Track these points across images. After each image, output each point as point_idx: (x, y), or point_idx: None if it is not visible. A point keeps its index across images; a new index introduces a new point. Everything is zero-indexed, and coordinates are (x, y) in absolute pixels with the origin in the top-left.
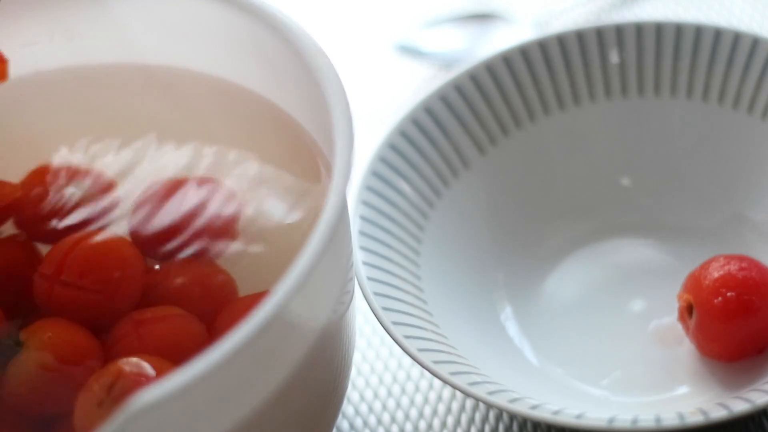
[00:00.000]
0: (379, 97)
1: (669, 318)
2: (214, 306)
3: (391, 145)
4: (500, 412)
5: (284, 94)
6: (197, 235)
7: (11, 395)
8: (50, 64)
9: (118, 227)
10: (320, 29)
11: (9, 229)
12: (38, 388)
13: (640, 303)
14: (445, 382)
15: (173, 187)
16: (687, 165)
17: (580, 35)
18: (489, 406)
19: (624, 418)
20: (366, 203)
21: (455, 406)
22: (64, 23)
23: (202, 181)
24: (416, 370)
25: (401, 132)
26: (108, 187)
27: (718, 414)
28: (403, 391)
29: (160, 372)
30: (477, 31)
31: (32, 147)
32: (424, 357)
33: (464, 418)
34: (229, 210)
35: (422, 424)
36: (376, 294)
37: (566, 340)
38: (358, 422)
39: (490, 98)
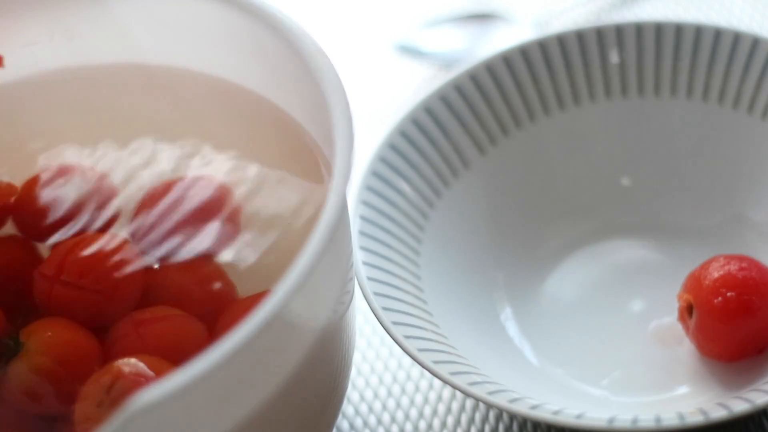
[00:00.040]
0: (379, 97)
1: (669, 318)
2: (214, 306)
3: (391, 145)
4: (500, 412)
5: (284, 94)
6: (197, 235)
7: (11, 395)
8: (50, 64)
9: (118, 227)
10: (320, 29)
11: (9, 229)
12: (38, 387)
13: (640, 303)
14: (445, 382)
15: (173, 187)
16: (687, 165)
17: (580, 35)
18: (489, 406)
19: (624, 418)
20: (366, 203)
21: (455, 406)
22: (64, 23)
23: (202, 181)
24: (416, 370)
25: (401, 132)
26: (108, 187)
27: (718, 414)
28: (403, 391)
29: (160, 372)
30: (477, 31)
31: (32, 147)
32: (424, 357)
33: (464, 418)
34: (229, 210)
35: (422, 424)
36: (376, 294)
37: (566, 340)
38: (358, 422)
39: (490, 98)
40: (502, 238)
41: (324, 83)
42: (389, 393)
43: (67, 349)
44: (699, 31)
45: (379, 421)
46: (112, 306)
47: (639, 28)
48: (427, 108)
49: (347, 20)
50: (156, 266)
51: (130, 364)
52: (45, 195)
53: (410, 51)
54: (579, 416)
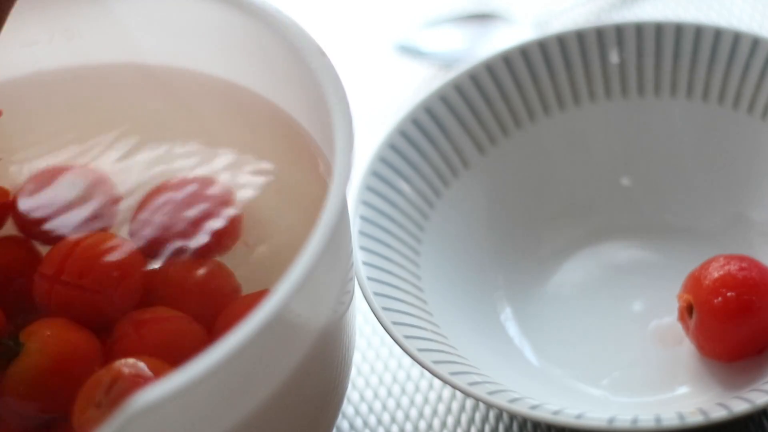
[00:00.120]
0: (379, 97)
1: (669, 318)
2: (214, 306)
3: (391, 145)
4: (500, 412)
5: (284, 94)
6: (197, 235)
7: (11, 395)
8: (50, 64)
9: (119, 227)
10: (320, 29)
11: (9, 229)
12: (38, 388)
13: (640, 303)
14: (445, 382)
15: (173, 187)
16: (687, 165)
17: (580, 35)
18: (489, 406)
19: (624, 418)
20: (366, 203)
21: (455, 406)
22: (64, 23)
23: (202, 181)
24: (416, 370)
25: (401, 132)
26: (108, 187)
27: (718, 414)
28: (403, 391)
29: (159, 373)
30: (477, 31)
31: (32, 146)
32: (424, 357)
33: (464, 418)
34: (229, 210)
35: (422, 424)
36: (376, 294)
37: (566, 340)
38: (358, 422)
39: (490, 98)
40: (502, 238)
41: (324, 83)
42: (389, 393)
43: (67, 350)
44: (699, 31)
45: (379, 421)
46: (112, 306)
47: (639, 28)
48: (427, 108)
49: (347, 20)
50: (156, 266)
51: (130, 364)
52: (45, 195)
53: (410, 51)
54: (579, 416)
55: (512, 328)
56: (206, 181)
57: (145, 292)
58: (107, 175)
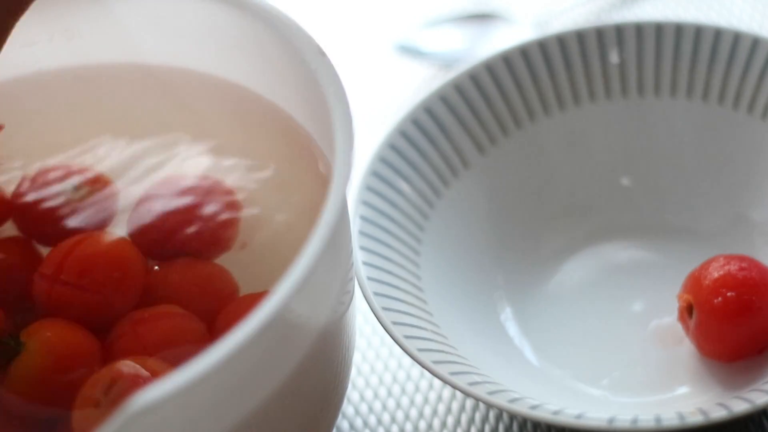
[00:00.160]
0: (379, 97)
1: (669, 318)
2: (214, 306)
3: (391, 145)
4: (500, 412)
5: (284, 94)
6: (197, 235)
7: (11, 395)
8: (50, 64)
9: (118, 227)
10: (320, 29)
11: (9, 229)
12: (38, 388)
13: (640, 303)
14: (445, 382)
15: (173, 186)
16: (687, 165)
17: (580, 35)
18: (489, 406)
19: (624, 418)
20: (366, 203)
21: (455, 406)
22: (64, 23)
23: (202, 181)
24: (416, 370)
25: (401, 132)
26: (108, 187)
27: (718, 414)
28: (403, 391)
29: (159, 373)
30: (477, 31)
31: (32, 147)
32: (424, 357)
33: (464, 418)
34: (229, 210)
35: (422, 424)
36: (376, 294)
37: (566, 340)
38: (358, 422)
39: (490, 98)
40: (502, 238)
41: (324, 83)
42: (389, 393)
43: (66, 349)
44: (699, 31)
45: (379, 421)
46: (112, 306)
47: (639, 28)
48: (427, 108)
49: (347, 20)
50: (156, 266)
51: (129, 365)
52: (45, 195)
53: (410, 51)
54: (579, 416)
55: (512, 328)
56: (206, 181)
57: (144, 292)
58: (107, 175)
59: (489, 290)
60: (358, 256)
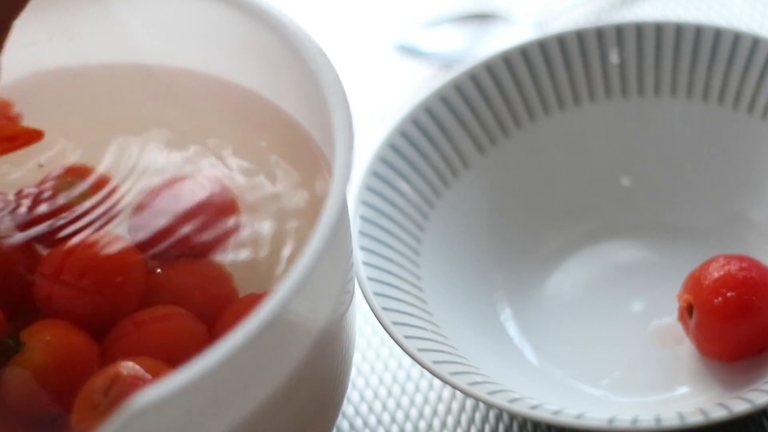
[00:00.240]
0: (379, 97)
1: (669, 318)
2: (214, 306)
3: (391, 145)
4: (500, 412)
5: (284, 94)
6: (197, 236)
7: (11, 395)
8: (50, 64)
9: (119, 228)
10: (320, 29)
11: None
12: (38, 388)
13: (640, 303)
14: (445, 382)
15: (173, 187)
16: (687, 165)
17: (580, 35)
18: (489, 406)
19: (624, 418)
20: (366, 203)
21: (455, 406)
22: (64, 23)
23: (202, 181)
24: (416, 370)
25: (401, 132)
26: (108, 187)
27: (718, 414)
28: (403, 391)
29: (158, 374)
30: (477, 31)
31: (32, 147)
32: (424, 357)
33: (464, 418)
34: (229, 210)
35: (422, 424)
36: (376, 294)
37: (566, 340)
38: (358, 422)
39: (490, 98)
40: (502, 238)
41: (324, 83)
42: (389, 393)
43: (67, 350)
44: (699, 31)
45: (379, 421)
46: (112, 306)
47: (639, 28)
48: (427, 108)
49: (347, 20)
50: (156, 266)
51: (128, 366)
52: (44, 195)
53: (410, 51)
54: (579, 416)
55: (512, 328)
56: (206, 181)
57: (144, 292)
58: (107, 175)
59: (489, 290)
60: (358, 256)
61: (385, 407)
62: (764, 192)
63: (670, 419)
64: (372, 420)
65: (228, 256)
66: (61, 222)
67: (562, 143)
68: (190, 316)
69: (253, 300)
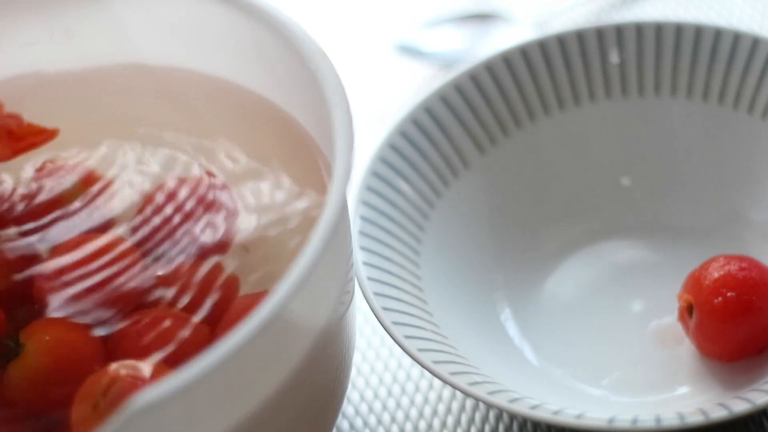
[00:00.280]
0: (379, 97)
1: (669, 318)
2: (214, 306)
3: (391, 145)
4: (500, 412)
5: (284, 94)
6: (197, 235)
7: (11, 395)
8: (50, 64)
9: (118, 228)
10: (320, 29)
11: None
12: (38, 388)
13: (640, 303)
14: (445, 382)
15: (172, 187)
16: (687, 165)
17: (580, 35)
18: (489, 406)
19: (624, 418)
20: (366, 203)
21: (455, 406)
22: (64, 23)
23: (202, 181)
24: (416, 370)
25: (401, 132)
26: (108, 187)
27: (718, 414)
28: (403, 391)
29: (157, 374)
30: (477, 31)
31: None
32: (424, 357)
33: (464, 418)
34: (229, 210)
35: (422, 424)
36: (376, 294)
37: (566, 340)
38: (358, 422)
39: (490, 98)
40: (502, 238)
41: (324, 83)
42: (389, 393)
43: (66, 350)
44: (699, 31)
45: (379, 421)
46: (112, 306)
47: (639, 28)
48: (427, 108)
49: (347, 20)
50: (156, 266)
51: (128, 366)
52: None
53: (410, 51)
54: (579, 416)
55: (512, 328)
56: (206, 181)
57: (144, 292)
58: (107, 175)
59: (489, 290)
60: (358, 256)
61: (385, 407)
62: (764, 192)
63: (670, 419)
64: (372, 420)
65: (228, 256)
66: (61, 222)
67: (562, 143)
68: (189, 316)
69: (253, 300)
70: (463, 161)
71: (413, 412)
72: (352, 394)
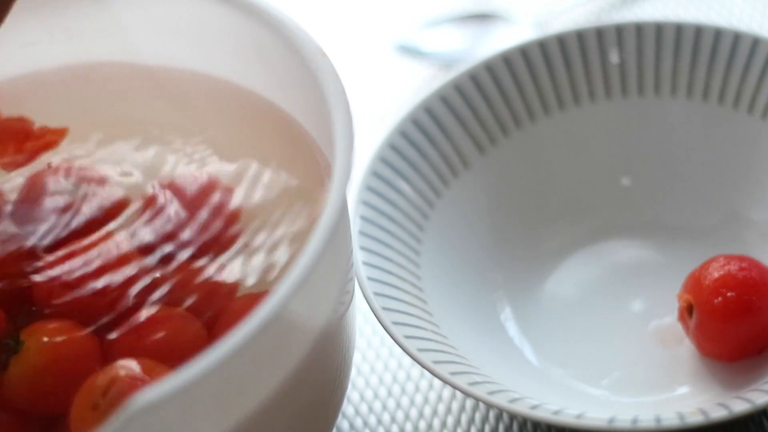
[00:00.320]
0: (379, 97)
1: (669, 318)
2: (214, 306)
3: (391, 145)
4: (500, 412)
5: (284, 94)
6: (197, 235)
7: (11, 395)
8: (50, 64)
9: (118, 227)
10: (320, 29)
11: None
12: (38, 388)
13: (640, 303)
14: (445, 382)
15: (173, 187)
16: (687, 165)
17: (580, 35)
18: (489, 406)
19: (624, 418)
20: (366, 203)
21: (455, 406)
22: (64, 23)
23: (202, 181)
24: (416, 370)
25: (401, 132)
26: (108, 187)
27: (718, 414)
28: (403, 391)
29: (156, 374)
30: (477, 31)
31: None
32: (424, 357)
33: (464, 418)
34: (229, 210)
35: (422, 424)
36: (376, 294)
37: (566, 340)
38: (358, 422)
39: (490, 98)
40: (502, 238)
41: (324, 83)
42: (389, 393)
43: (66, 349)
44: (699, 31)
45: (379, 421)
46: (112, 306)
47: (639, 28)
48: (427, 108)
49: (347, 20)
50: (156, 266)
51: (127, 366)
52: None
53: (410, 51)
54: (579, 416)
55: (512, 328)
56: (206, 181)
57: (144, 292)
58: (107, 176)
59: (489, 290)
60: (358, 256)
61: (385, 407)
62: (764, 192)
63: (670, 419)
64: (372, 420)
65: (228, 256)
66: (61, 222)
67: (562, 143)
68: (189, 316)
69: (253, 300)
70: (463, 161)
71: (413, 412)
72: (352, 394)
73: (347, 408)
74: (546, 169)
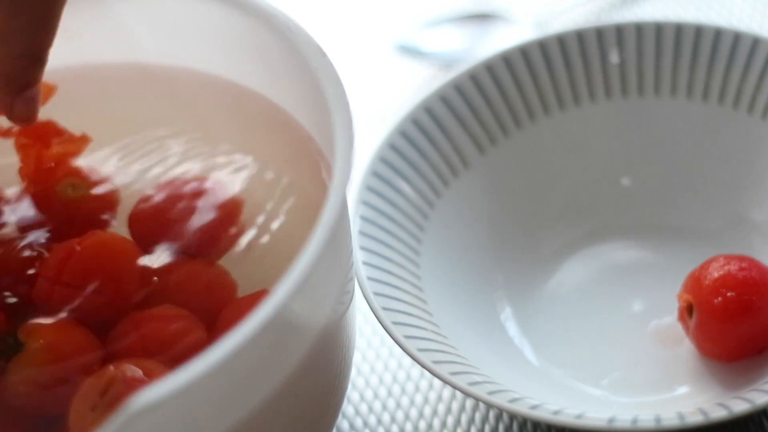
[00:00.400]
0: (379, 97)
1: (669, 318)
2: (214, 306)
3: (391, 145)
4: (500, 412)
5: (284, 95)
6: (197, 235)
7: (11, 395)
8: (50, 64)
9: (118, 227)
10: (320, 29)
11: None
12: (38, 388)
13: (640, 303)
14: (445, 382)
15: (172, 186)
16: (687, 165)
17: (580, 35)
18: (489, 406)
19: (624, 418)
20: (366, 203)
21: (455, 406)
22: (64, 23)
23: (202, 181)
24: (416, 370)
25: (401, 132)
26: (108, 186)
27: (718, 414)
28: (403, 391)
29: (155, 375)
30: (477, 31)
31: None
32: (424, 357)
33: (464, 418)
34: (228, 210)
35: (422, 424)
36: (376, 294)
37: (566, 340)
38: (358, 422)
39: (490, 98)
40: (502, 238)
41: (324, 83)
42: (389, 393)
43: (66, 349)
44: (699, 31)
45: (379, 421)
46: (112, 306)
47: (639, 28)
48: (427, 108)
49: (347, 20)
50: (156, 266)
51: (126, 367)
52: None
53: (410, 51)
54: (579, 416)
55: (512, 328)
56: (206, 181)
57: (144, 292)
58: (107, 175)
59: (489, 290)
60: (358, 256)
61: (385, 407)
62: (764, 192)
63: (670, 419)
64: (372, 420)
65: (228, 256)
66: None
67: (562, 143)
68: (189, 316)
69: (253, 300)
70: (463, 161)
71: (413, 412)
72: (352, 394)
73: (347, 408)
74: (546, 170)
